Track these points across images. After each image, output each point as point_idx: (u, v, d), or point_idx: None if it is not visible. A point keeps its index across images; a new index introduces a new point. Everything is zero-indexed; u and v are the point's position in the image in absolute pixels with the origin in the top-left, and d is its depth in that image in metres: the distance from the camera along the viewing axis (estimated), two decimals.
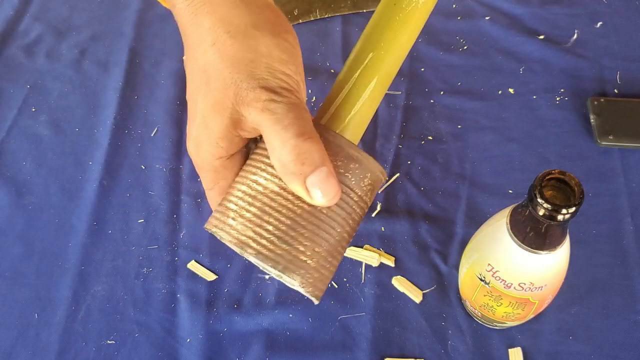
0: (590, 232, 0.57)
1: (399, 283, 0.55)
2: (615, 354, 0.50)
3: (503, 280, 0.43)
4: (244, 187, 0.35)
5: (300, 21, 0.74)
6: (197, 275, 0.56)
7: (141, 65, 0.72)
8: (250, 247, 0.34)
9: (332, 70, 0.69)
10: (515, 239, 0.41)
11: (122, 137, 0.65)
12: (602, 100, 0.64)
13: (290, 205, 0.34)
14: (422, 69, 0.69)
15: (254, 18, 0.34)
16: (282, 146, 0.32)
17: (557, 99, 0.66)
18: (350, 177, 0.35)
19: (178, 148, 0.64)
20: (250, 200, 0.34)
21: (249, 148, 0.38)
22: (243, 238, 0.34)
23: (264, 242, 0.34)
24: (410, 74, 0.69)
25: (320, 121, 0.37)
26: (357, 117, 0.37)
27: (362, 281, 0.55)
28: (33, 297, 0.55)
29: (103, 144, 0.65)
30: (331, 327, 0.53)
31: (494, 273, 0.43)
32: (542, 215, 0.37)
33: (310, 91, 0.68)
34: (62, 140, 0.65)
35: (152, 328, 0.53)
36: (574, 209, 0.36)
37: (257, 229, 0.34)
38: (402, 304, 0.54)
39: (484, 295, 0.46)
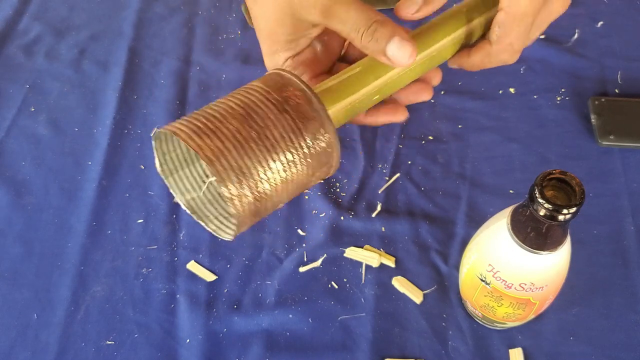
0: (591, 232, 0.56)
1: (400, 283, 0.55)
2: (615, 354, 0.50)
3: (504, 280, 0.43)
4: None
5: None
6: (197, 275, 0.56)
7: (141, 65, 0.72)
8: (180, 132, 0.35)
9: None
10: (516, 239, 0.40)
11: (122, 137, 0.65)
12: (603, 100, 0.64)
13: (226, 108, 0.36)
14: None
15: None
16: (355, 39, 0.39)
17: (558, 98, 0.66)
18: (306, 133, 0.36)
19: None
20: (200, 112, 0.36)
21: (315, 47, 0.44)
22: (176, 127, 0.35)
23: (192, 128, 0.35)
24: None
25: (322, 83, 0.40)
26: (350, 103, 0.40)
27: (363, 281, 0.55)
28: (32, 298, 0.55)
29: (102, 143, 0.64)
30: (331, 327, 0.53)
31: (495, 273, 0.43)
32: (543, 216, 0.37)
33: None
34: (61, 140, 0.65)
35: (151, 328, 0.53)
36: (574, 209, 0.36)
37: (191, 121, 0.35)
38: (403, 304, 0.54)
39: (485, 296, 0.46)
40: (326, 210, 0.59)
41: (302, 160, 0.37)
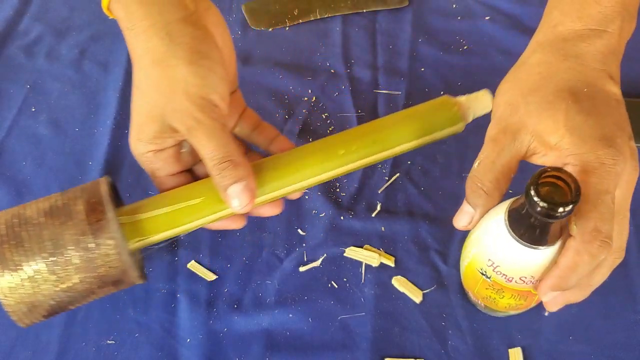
0: None
1: (399, 283, 0.55)
2: (615, 354, 0.50)
3: (504, 274, 0.43)
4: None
5: (300, 21, 0.74)
6: (197, 275, 0.56)
7: None
8: None
9: (332, 71, 0.69)
10: (514, 234, 0.41)
11: (122, 137, 0.65)
12: None
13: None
14: (422, 69, 0.69)
15: (175, 49, 0.42)
16: (206, 162, 0.42)
17: None
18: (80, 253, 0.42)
19: None
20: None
21: (182, 147, 0.47)
22: None
23: None
24: (410, 74, 0.69)
25: (137, 209, 0.45)
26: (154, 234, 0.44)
27: (362, 281, 0.55)
28: None
29: (103, 143, 0.65)
30: (331, 327, 0.53)
31: (495, 268, 0.43)
32: (538, 213, 0.37)
33: (310, 91, 0.68)
34: (62, 140, 0.65)
35: (152, 328, 0.53)
36: (570, 206, 0.36)
37: None
38: (402, 303, 0.54)
39: (486, 289, 0.46)
40: (326, 210, 0.59)
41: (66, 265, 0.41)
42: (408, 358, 0.51)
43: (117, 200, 0.48)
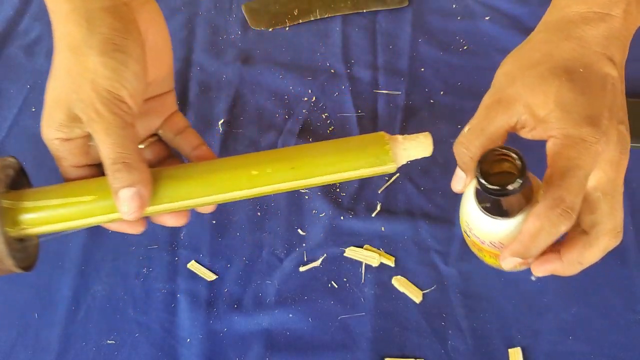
0: None
1: (399, 283, 0.55)
2: (615, 354, 0.50)
3: (478, 237, 0.44)
4: None
5: (300, 21, 0.74)
6: (197, 275, 0.56)
7: None
8: None
9: (332, 71, 0.69)
10: (479, 205, 0.41)
11: None
12: None
13: None
14: (422, 69, 0.69)
15: (91, 37, 0.40)
16: (104, 160, 0.40)
17: None
18: None
19: None
20: None
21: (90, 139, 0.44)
22: None
23: None
24: (410, 74, 0.69)
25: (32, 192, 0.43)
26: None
27: (362, 281, 0.55)
28: (33, 297, 0.55)
29: None
30: (331, 327, 0.53)
31: (470, 231, 0.44)
32: (485, 191, 0.38)
33: (310, 91, 0.68)
34: None
35: (152, 328, 0.53)
36: (514, 184, 0.36)
37: None
38: (402, 303, 0.54)
39: (472, 246, 0.47)
40: (326, 210, 0.59)
41: None
42: (408, 358, 0.51)
43: (21, 185, 0.45)
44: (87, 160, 0.45)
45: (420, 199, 0.60)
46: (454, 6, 0.74)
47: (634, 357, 0.50)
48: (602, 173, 0.39)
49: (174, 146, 0.50)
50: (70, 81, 0.41)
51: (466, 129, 0.42)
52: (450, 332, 0.52)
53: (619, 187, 0.39)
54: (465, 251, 0.56)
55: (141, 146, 0.48)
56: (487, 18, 0.72)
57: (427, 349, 0.51)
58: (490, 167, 0.38)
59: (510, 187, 0.37)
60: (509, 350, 0.51)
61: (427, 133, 0.45)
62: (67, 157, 0.44)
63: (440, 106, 0.66)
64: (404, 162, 0.45)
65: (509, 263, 0.40)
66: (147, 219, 0.44)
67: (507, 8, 0.73)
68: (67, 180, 0.45)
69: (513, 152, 0.38)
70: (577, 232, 0.41)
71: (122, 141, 0.40)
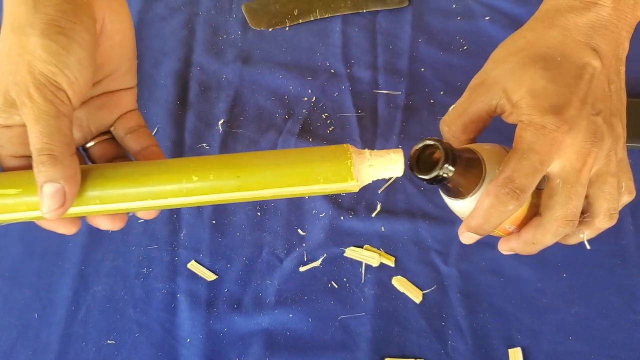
0: None
1: (399, 283, 0.55)
2: (615, 354, 0.50)
3: (452, 211, 0.44)
4: None
5: (300, 21, 0.74)
6: (197, 275, 0.56)
7: (141, 66, 0.72)
8: None
9: (332, 71, 0.69)
10: (440, 190, 0.43)
11: None
12: None
13: None
14: (422, 69, 0.69)
15: (34, 17, 0.37)
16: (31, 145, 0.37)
17: None
18: None
19: (178, 148, 0.64)
20: None
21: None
22: None
23: None
24: (410, 74, 0.69)
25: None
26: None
27: (362, 281, 0.55)
28: (33, 297, 0.55)
29: None
30: (331, 327, 0.53)
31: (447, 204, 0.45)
32: (420, 180, 0.39)
33: (310, 91, 0.68)
34: None
35: (152, 328, 0.53)
36: (439, 172, 0.38)
37: None
38: (402, 304, 0.54)
39: None
40: (326, 210, 0.59)
41: None
42: (408, 358, 0.51)
43: None
44: (25, 152, 0.40)
45: (420, 199, 0.60)
46: (454, 6, 0.74)
47: (634, 357, 0.50)
48: (566, 162, 0.39)
49: (122, 144, 0.46)
50: (9, 63, 0.37)
51: (451, 108, 0.43)
52: (450, 332, 0.52)
53: (582, 178, 0.39)
54: (465, 251, 0.56)
55: (90, 144, 0.45)
56: (487, 18, 0.72)
57: (427, 349, 0.51)
58: (430, 156, 0.40)
59: (433, 174, 0.38)
60: (509, 350, 0.51)
61: (398, 149, 0.40)
62: (6, 145, 0.40)
63: (440, 106, 0.66)
64: (369, 182, 0.40)
65: (465, 238, 0.41)
66: (81, 219, 0.41)
67: (507, 8, 0.73)
68: (5, 170, 0.41)
69: (437, 142, 0.39)
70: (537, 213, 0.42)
71: (50, 131, 0.36)
